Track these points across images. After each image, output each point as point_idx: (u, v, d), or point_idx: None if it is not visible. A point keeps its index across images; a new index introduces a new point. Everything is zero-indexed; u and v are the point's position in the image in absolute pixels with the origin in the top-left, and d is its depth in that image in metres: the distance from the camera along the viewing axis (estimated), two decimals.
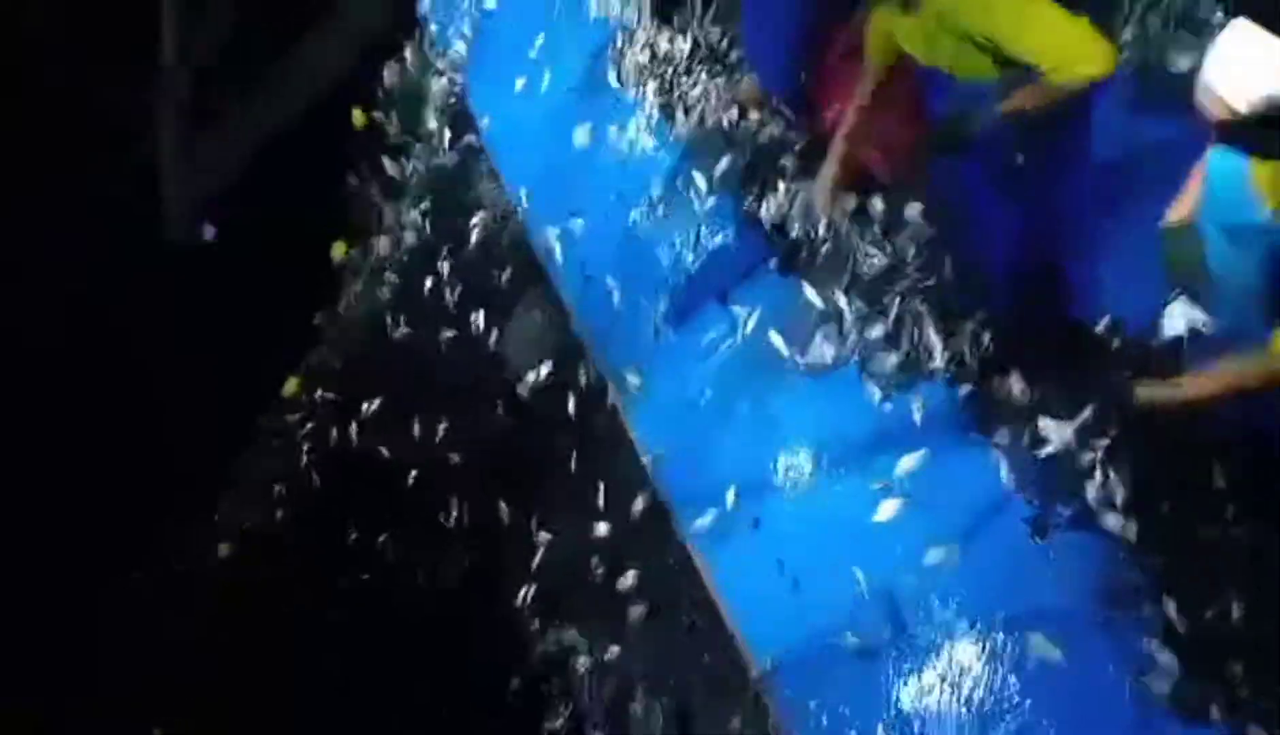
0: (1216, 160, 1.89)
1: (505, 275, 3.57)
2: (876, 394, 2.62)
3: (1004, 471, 2.39)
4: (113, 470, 3.39)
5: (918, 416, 2.55)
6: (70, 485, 3.32)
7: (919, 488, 2.48)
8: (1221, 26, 2.45)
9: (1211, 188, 1.92)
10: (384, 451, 3.49)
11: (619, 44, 3.60)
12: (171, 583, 3.49)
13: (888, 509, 2.47)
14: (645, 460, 2.93)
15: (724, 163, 3.10)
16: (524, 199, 3.59)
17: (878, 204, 2.77)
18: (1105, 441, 2.31)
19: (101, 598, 3.35)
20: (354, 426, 3.55)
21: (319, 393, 3.74)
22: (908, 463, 2.49)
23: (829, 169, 2.71)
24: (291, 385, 3.80)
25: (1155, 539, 2.17)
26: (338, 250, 3.98)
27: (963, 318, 2.61)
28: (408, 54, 4.14)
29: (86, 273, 3.33)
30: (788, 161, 2.98)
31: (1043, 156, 2.29)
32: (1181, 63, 2.68)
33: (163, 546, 3.53)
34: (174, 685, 3.24)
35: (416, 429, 3.45)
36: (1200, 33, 2.57)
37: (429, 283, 3.68)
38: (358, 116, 4.04)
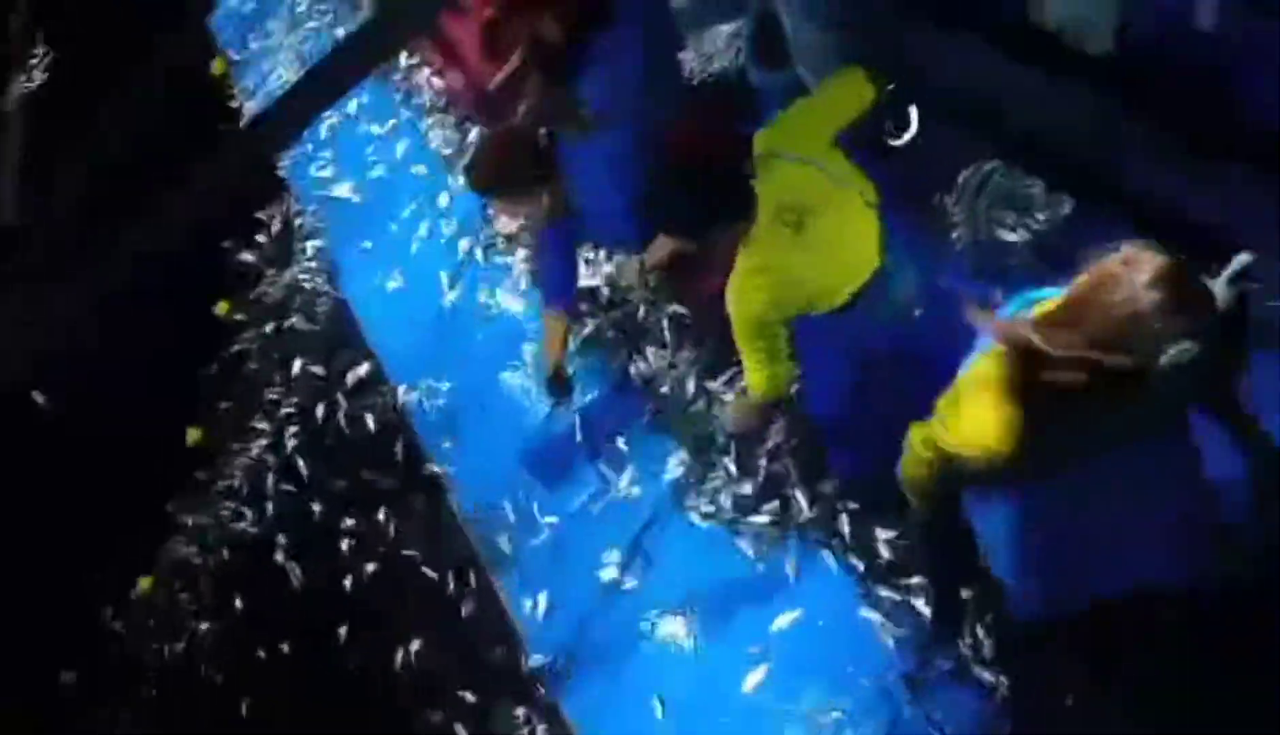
0: None
1: (372, 442, 3.47)
2: (750, 552, 2.62)
3: (880, 627, 2.39)
4: None
5: (791, 575, 2.55)
6: None
7: (795, 648, 2.45)
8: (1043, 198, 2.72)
9: None
10: None
11: (490, 211, 3.69)
12: None
13: (759, 674, 2.43)
14: (514, 618, 2.83)
15: (592, 325, 3.15)
16: (390, 359, 3.55)
17: None
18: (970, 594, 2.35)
19: None
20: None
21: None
22: (782, 622, 2.47)
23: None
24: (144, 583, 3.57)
25: (1026, 693, 2.19)
26: (192, 435, 3.83)
27: (827, 477, 2.67)
28: (274, 215, 4.17)
29: None
30: (659, 323, 3.05)
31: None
32: (1008, 236, 2.92)
33: None
34: None
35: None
36: (1022, 208, 2.80)
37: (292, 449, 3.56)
38: (222, 306, 4.03)
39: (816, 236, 2.12)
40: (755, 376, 2.27)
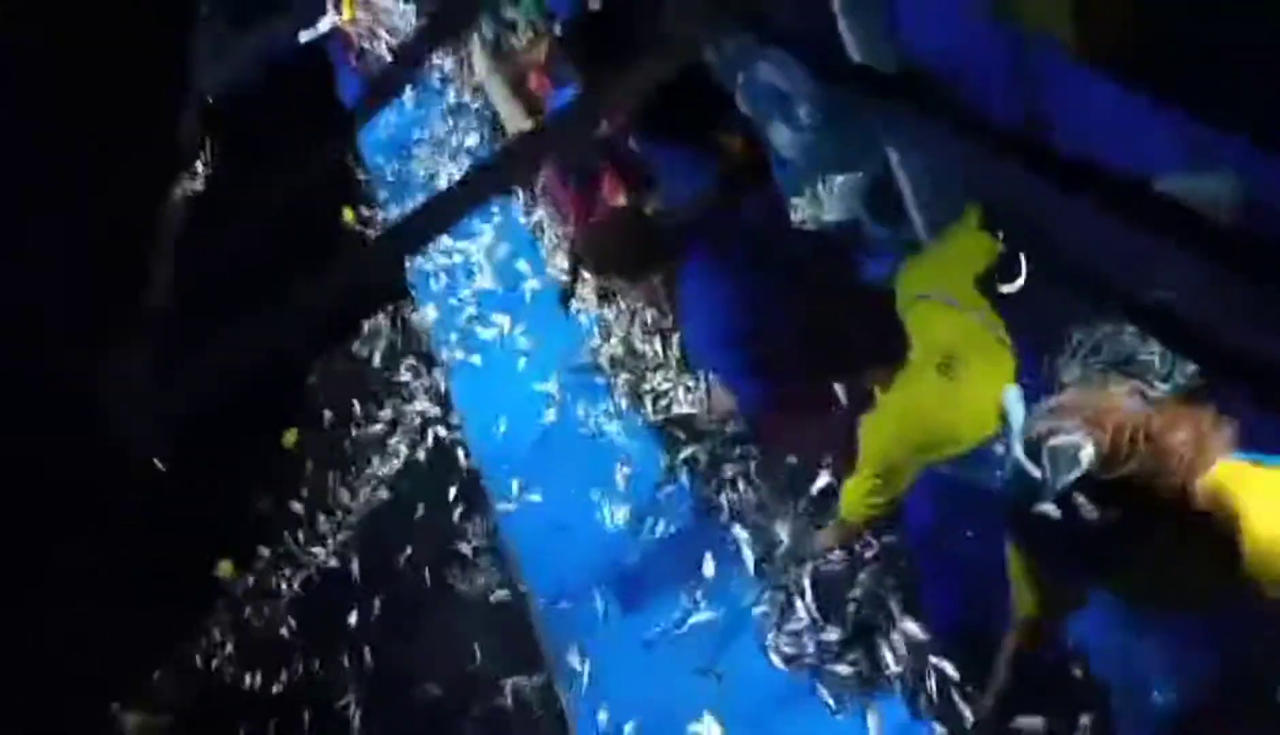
0: None
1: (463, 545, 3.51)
2: (830, 703, 2.51)
3: None
4: None
5: (873, 732, 2.43)
6: None
7: None
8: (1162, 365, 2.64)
9: None
10: None
11: (596, 334, 3.79)
12: None
13: None
14: None
15: (687, 452, 3.16)
16: (487, 468, 3.61)
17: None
18: None
19: None
20: None
21: None
22: None
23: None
24: None
25: None
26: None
27: (919, 635, 2.56)
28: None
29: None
30: (750, 457, 3.04)
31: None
32: None
33: None
34: None
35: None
36: (1139, 372, 2.72)
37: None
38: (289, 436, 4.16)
39: (963, 384, 2.10)
40: (855, 501, 2.27)
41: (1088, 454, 1.33)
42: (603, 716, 2.75)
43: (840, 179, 3.68)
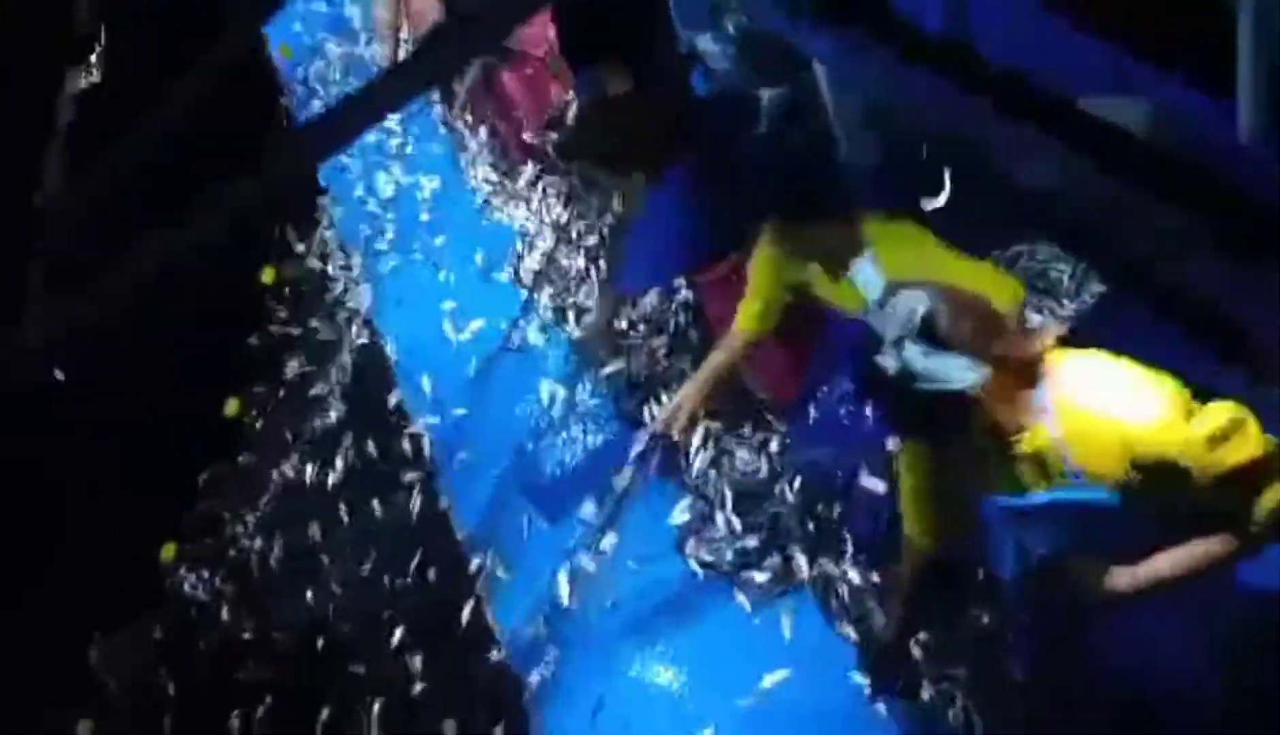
0: None
1: (384, 461, 3.47)
2: (747, 606, 2.59)
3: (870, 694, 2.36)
4: None
5: (787, 632, 2.53)
6: None
7: (783, 707, 2.42)
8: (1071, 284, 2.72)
9: None
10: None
11: (518, 248, 3.74)
12: None
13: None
14: (503, 649, 2.82)
15: (611, 367, 3.17)
16: (410, 384, 3.57)
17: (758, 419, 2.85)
18: (962, 671, 2.33)
19: None
20: None
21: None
22: (773, 679, 2.44)
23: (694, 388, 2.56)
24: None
25: None
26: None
27: (832, 538, 2.65)
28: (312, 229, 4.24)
29: None
30: (673, 369, 3.07)
31: None
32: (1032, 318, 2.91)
33: None
34: None
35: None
36: (1048, 289, 2.80)
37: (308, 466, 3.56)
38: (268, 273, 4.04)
39: None
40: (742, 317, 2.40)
41: (921, 310, 1.44)
42: (529, 626, 2.80)
43: (767, 92, 3.66)
